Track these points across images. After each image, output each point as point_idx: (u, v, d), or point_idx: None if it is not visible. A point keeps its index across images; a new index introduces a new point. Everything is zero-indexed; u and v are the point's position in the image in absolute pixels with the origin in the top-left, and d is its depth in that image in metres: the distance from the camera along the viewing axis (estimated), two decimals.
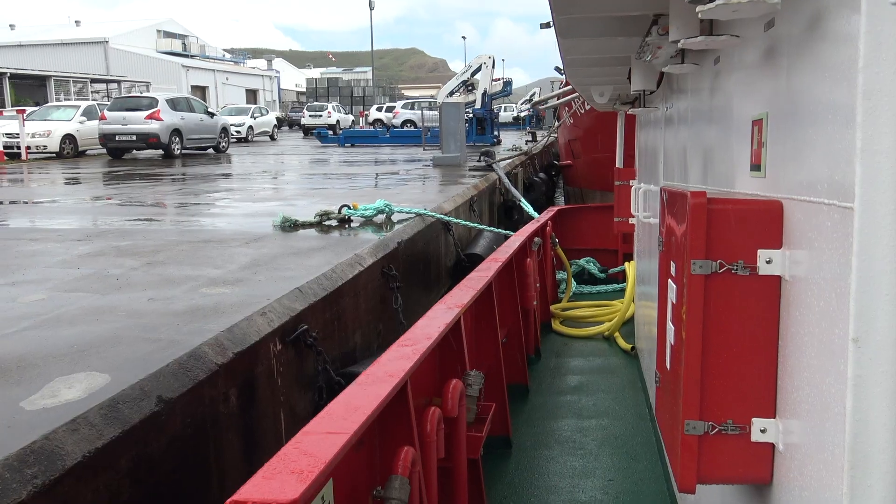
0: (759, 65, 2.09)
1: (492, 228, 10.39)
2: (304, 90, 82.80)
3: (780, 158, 1.87)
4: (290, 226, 8.17)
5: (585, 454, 4.88)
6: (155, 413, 3.37)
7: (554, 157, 26.61)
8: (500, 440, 4.91)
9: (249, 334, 4.38)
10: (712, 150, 2.82)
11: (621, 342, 7.37)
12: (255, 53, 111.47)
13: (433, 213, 8.94)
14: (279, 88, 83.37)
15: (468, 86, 28.82)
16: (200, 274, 5.67)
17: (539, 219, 9.06)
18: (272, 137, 36.19)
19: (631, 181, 8.21)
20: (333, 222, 8.44)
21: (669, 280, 2.11)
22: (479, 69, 28.16)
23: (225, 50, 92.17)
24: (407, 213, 8.80)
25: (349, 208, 8.53)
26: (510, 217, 15.62)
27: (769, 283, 1.81)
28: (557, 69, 27.25)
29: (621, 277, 10.46)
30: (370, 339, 6.52)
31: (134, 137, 21.36)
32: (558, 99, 19.48)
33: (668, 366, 2.15)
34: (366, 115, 52.02)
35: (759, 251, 1.81)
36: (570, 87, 16.74)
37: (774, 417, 1.84)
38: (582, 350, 7.45)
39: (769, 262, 1.80)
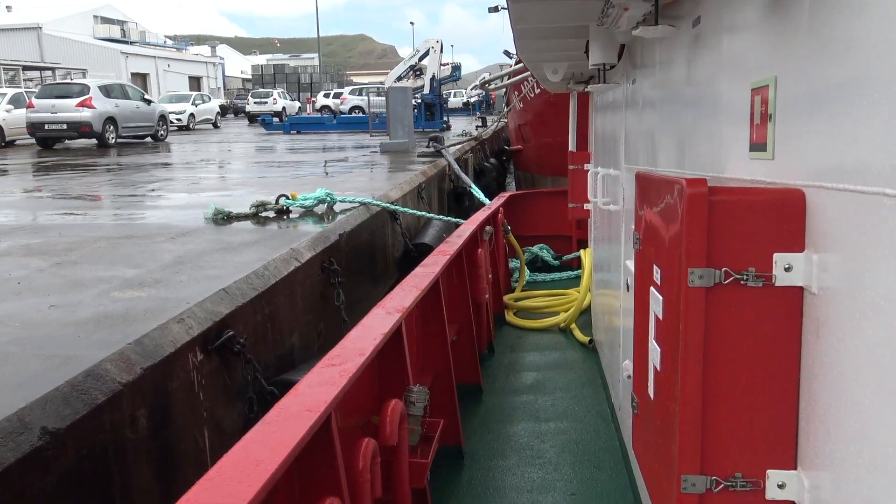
0: (761, 17, 1.65)
1: (441, 217, 9.92)
2: (250, 77, 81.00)
3: (796, 134, 1.43)
4: (222, 218, 7.58)
5: (544, 463, 4.47)
6: (38, 448, 2.83)
7: (504, 143, 26.25)
8: (450, 451, 4.48)
9: (163, 345, 3.84)
10: (690, 128, 2.39)
11: (578, 334, 7.00)
12: (199, 40, 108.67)
13: (378, 202, 8.44)
14: (224, 75, 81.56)
15: (416, 71, 28.19)
16: (115, 275, 5.08)
17: (490, 205, 8.63)
18: (215, 125, 35.07)
19: (585, 165, 7.84)
20: (271, 214, 7.87)
21: (652, 289, 1.67)
22: (427, 54, 27.56)
23: (167, 37, 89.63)
24: (350, 202, 8.28)
25: (288, 198, 7.97)
26: (461, 204, 15.19)
27: (789, 297, 1.38)
28: (507, 53, 26.81)
29: (576, 264, 10.12)
30: (310, 339, 6.02)
31: (64, 126, 20.24)
32: (508, 79, 19.03)
33: (651, 394, 1.71)
34: (313, 101, 50.97)
35: (776, 255, 1.38)
36: (521, 65, 16.38)
37: (796, 469, 1.42)
38: (538, 343, 7.06)
39: (788, 269, 1.37)
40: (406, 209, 8.83)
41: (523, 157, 21.88)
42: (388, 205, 8.50)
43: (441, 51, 27.63)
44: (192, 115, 32.52)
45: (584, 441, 4.79)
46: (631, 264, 2.44)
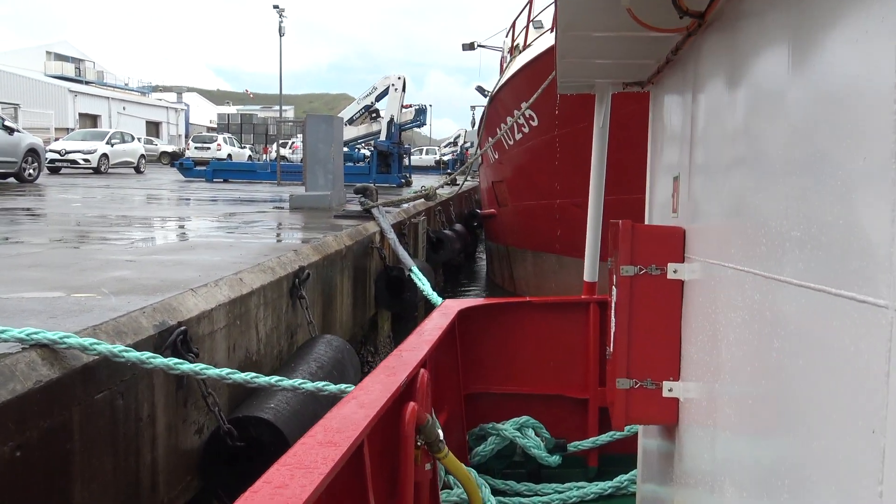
0: None
1: (285, 381, 4.29)
2: (216, 126, 76.91)
3: None
4: None
5: None
6: None
7: (476, 205, 21.14)
8: None
9: None
10: None
11: None
12: (177, 90, 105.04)
13: (83, 344, 2.98)
14: (187, 122, 77.32)
15: (372, 113, 23.09)
16: None
17: (393, 367, 3.17)
18: (138, 170, 29.61)
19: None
20: None
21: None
22: (385, 93, 22.46)
23: (148, 86, 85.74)
24: None
25: None
26: (397, 295, 9.83)
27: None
28: (479, 89, 21.87)
29: (594, 461, 4.77)
30: None
31: None
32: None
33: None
34: (269, 150, 46.01)
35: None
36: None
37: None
38: None
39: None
40: (181, 365, 3.34)
41: (497, 225, 16.63)
42: (108, 346, 3.05)
43: (403, 89, 22.57)
44: (104, 155, 27.02)
45: None
46: None
